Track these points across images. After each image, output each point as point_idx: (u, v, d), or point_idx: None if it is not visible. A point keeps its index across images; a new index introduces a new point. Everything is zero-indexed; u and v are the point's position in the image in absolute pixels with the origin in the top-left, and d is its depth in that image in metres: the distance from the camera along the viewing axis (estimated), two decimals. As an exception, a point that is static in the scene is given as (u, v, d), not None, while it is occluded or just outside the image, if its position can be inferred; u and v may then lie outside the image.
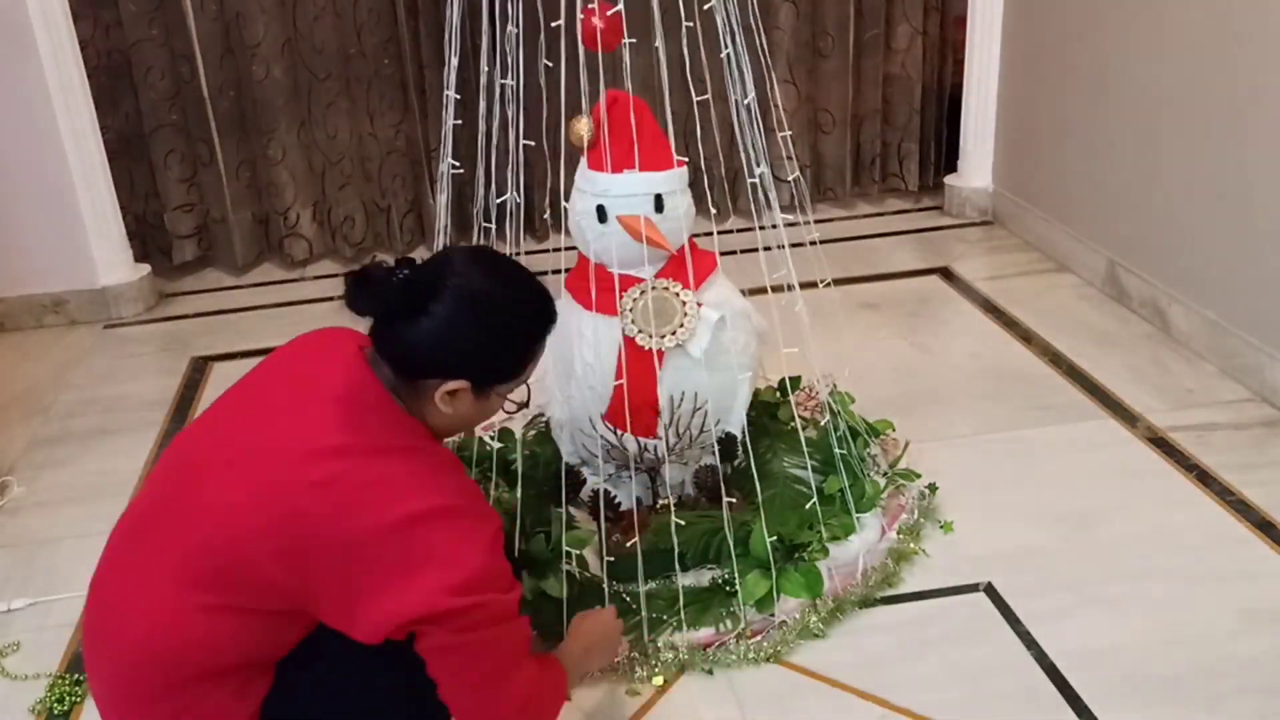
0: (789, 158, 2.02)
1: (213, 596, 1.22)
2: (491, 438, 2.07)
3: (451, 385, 1.29)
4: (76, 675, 1.83)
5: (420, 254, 3.72)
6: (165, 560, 1.24)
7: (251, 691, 1.29)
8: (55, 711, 1.78)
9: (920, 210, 3.87)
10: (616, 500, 1.98)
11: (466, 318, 1.28)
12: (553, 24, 1.71)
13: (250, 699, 1.29)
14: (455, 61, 1.86)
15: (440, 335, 1.27)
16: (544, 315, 1.38)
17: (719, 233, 1.86)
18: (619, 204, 1.82)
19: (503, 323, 1.33)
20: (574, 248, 1.96)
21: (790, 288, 1.87)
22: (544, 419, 2.22)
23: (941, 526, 2.09)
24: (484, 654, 1.27)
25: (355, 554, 1.20)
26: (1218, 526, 2.08)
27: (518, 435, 2.03)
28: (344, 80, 3.48)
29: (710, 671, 1.77)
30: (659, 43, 1.70)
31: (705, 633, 1.82)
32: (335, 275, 3.57)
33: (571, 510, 1.98)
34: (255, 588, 1.22)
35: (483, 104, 1.83)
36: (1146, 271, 2.90)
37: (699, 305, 1.86)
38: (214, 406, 1.39)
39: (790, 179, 1.95)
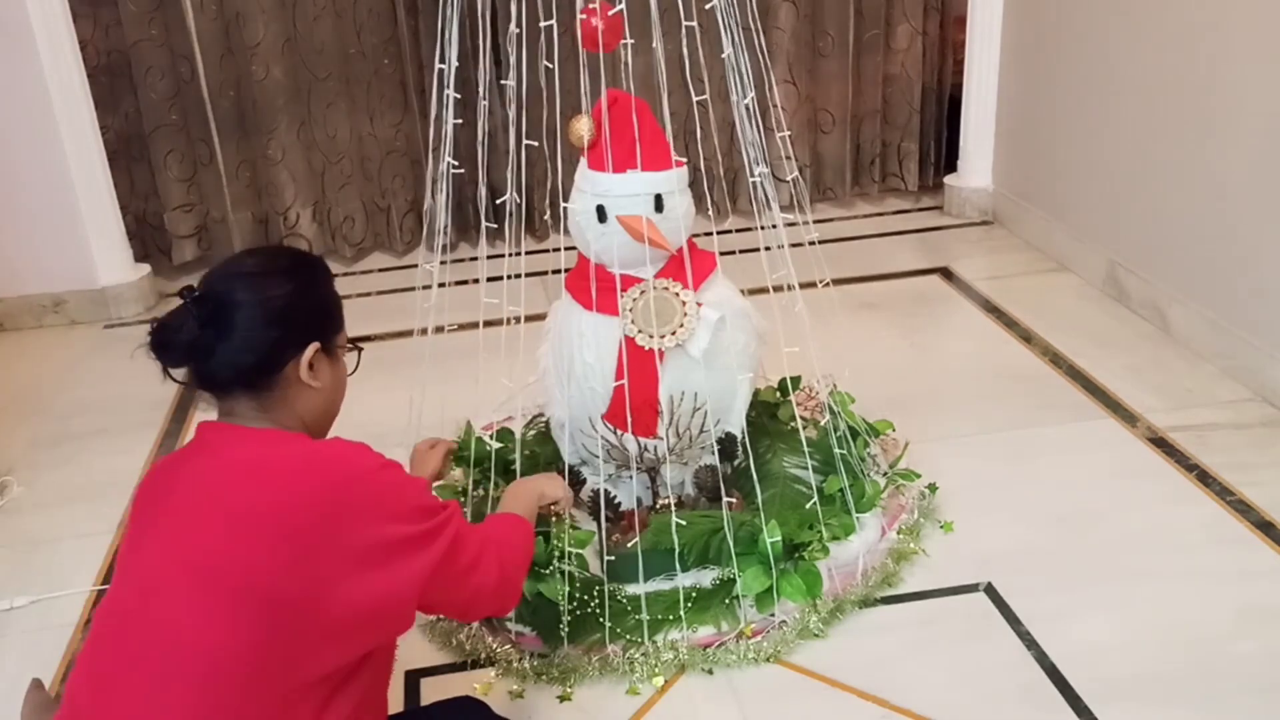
0: (788, 158, 2.02)
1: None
2: (492, 437, 2.07)
3: (306, 355, 1.31)
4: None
5: (419, 255, 3.73)
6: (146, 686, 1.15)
7: None
8: (55, 711, 1.78)
9: (920, 210, 3.87)
10: (616, 500, 1.98)
11: (271, 290, 1.31)
12: (540, 24, 1.71)
13: None
14: (455, 61, 1.85)
15: (262, 315, 1.29)
16: (307, 257, 1.47)
17: (719, 233, 1.86)
18: (619, 204, 1.82)
19: (293, 275, 1.37)
20: (574, 248, 1.96)
21: (790, 288, 1.87)
22: (544, 419, 2.22)
23: (941, 526, 2.09)
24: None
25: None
26: (1217, 526, 2.08)
27: (518, 435, 2.03)
28: (344, 80, 3.48)
29: (710, 671, 1.77)
30: (658, 43, 1.70)
31: (705, 633, 1.82)
32: (335, 276, 3.57)
33: (572, 510, 1.98)
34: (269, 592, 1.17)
35: (483, 103, 1.83)
36: (1146, 271, 2.90)
37: (699, 305, 1.86)
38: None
39: (789, 179, 1.95)
